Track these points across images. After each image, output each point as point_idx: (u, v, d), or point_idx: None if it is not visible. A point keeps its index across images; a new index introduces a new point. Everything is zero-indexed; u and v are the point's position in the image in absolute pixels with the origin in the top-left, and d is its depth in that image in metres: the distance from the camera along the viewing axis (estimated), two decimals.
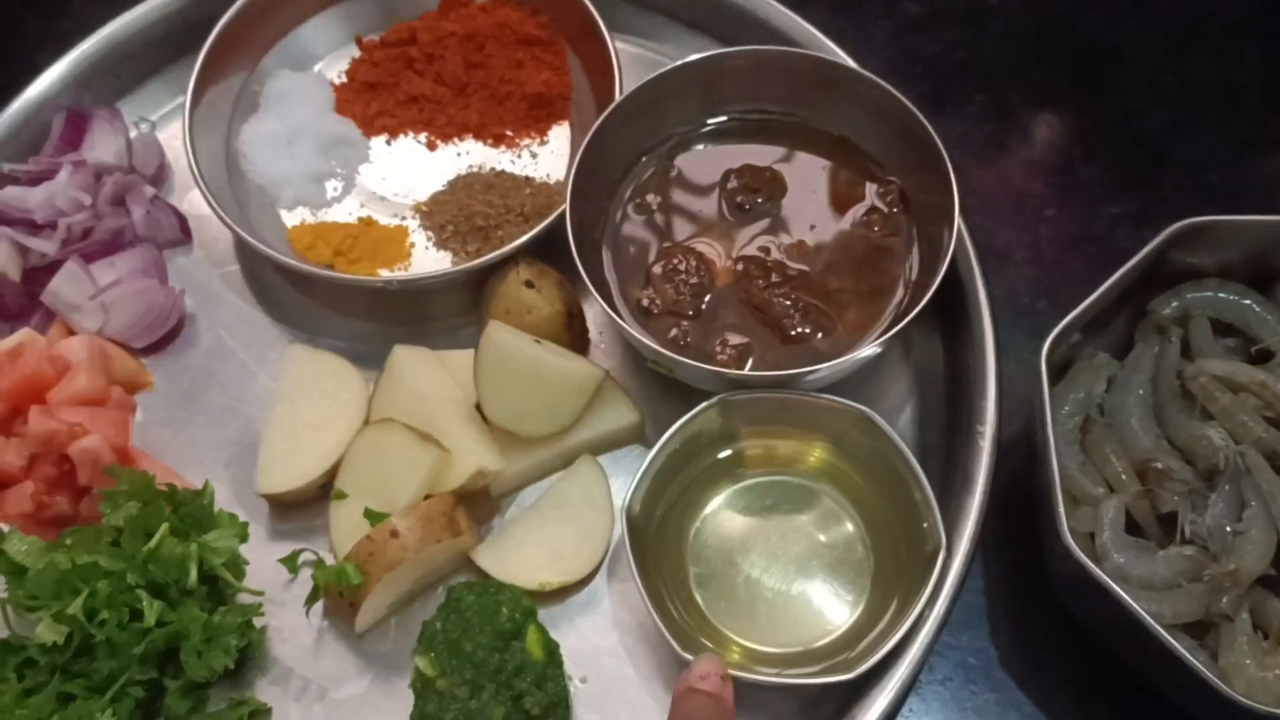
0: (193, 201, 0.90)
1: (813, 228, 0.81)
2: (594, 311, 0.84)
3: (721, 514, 0.76)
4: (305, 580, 0.76)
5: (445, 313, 0.86)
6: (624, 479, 0.75)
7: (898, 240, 0.80)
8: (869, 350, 0.74)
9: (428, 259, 0.86)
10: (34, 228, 0.85)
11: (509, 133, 0.91)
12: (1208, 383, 0.71)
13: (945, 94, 0.95)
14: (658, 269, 0.80)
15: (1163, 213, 0.85)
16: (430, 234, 0.87)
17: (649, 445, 0.74)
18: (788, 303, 0.78)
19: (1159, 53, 0.97)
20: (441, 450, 0.75)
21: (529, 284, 0.79)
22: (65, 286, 0.83)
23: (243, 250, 0.89)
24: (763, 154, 0.84)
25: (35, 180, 0.86)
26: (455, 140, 0.91)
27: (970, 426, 0.75)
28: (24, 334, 0.81)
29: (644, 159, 0.84)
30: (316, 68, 0.94)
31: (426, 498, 0.75)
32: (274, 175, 0.88)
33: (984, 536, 0.72)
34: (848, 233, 0.81)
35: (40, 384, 0.79)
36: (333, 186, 0.89)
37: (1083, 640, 0.73)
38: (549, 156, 0.90)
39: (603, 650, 0.74)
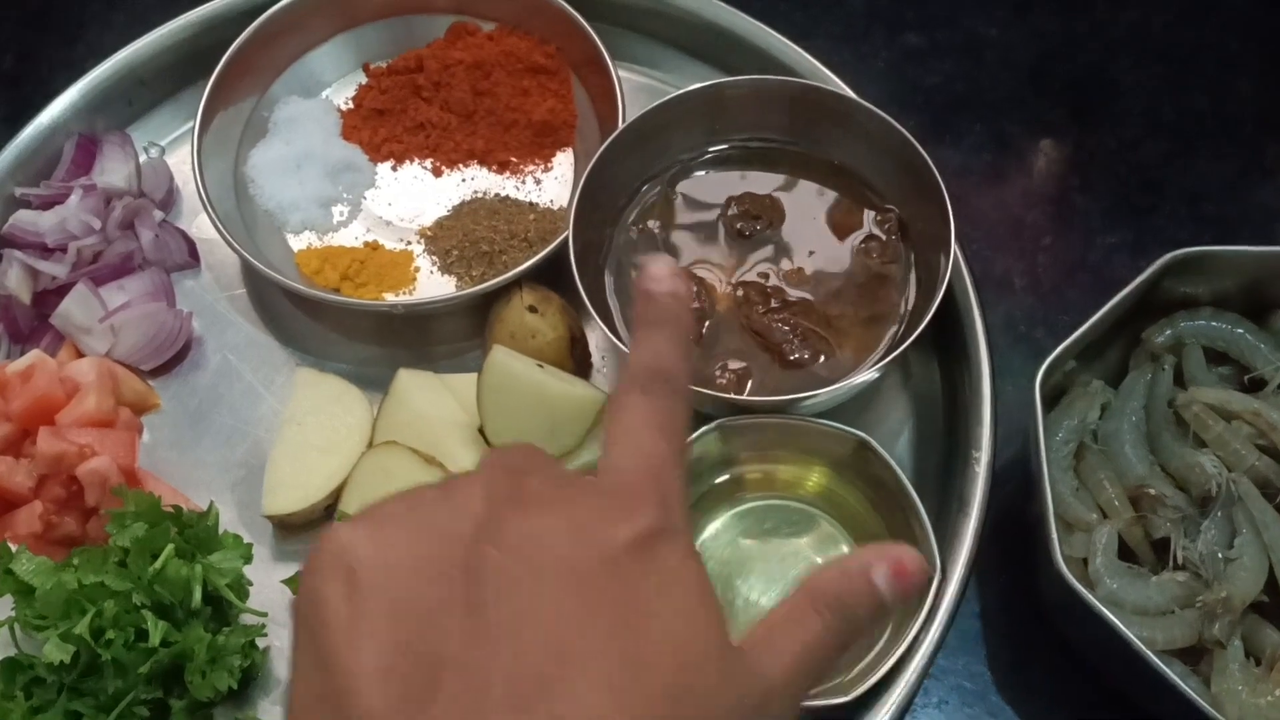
0: (201, 226, 0.91)
1: (812, 254, 0.82)
2: (596, 336, 0.85)
3: (720, 538, 0.76)
4: None
5: (449, 337, 0.87)
6: None
7: (896, 267, 0.81)
8: (867, 376, 0.75)
9: (432, 283, 0.87)
10: (45, 251, 0.86)
11: (514, 159, 0.92)
12: (1200, 411, 0.72)
13: (944, 124, 0.97)
14: None
15: (1159, 241, 0.86)
16: (435, 259, 0.88)
17: None
18: (787, 328, 0.79)
19: (1155, 84, 0.98)
20: (445, 473, 0.76)
21: (532, 309, 0.80)
22: (75, 309, 0.84)
23: (250, 274, 0.90)
24: (763, 181, 0.85)
25: (47, 204, 0.87)
26: (460, 166, 0.92)
27: (966, 452, 0.76)
28: (34, 355, 0.82)
29: (646, 186, 0.85)
30: (324, 94, 0.95)
31: None
32: (282, 200, 0.90)
33: (979, 561, 0.73)
34: (846, 260, 0.82)
35: (50, 405, 0.80)
36: (339, 211, 0.91)
37: (1077, 665, 0.73)
38: (553, 183, 0.91)
39: None
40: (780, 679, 0.46)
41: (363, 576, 0.42)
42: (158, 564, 0.72)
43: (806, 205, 0.84)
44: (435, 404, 0.80)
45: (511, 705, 0.40)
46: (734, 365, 0.79)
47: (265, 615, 0.76)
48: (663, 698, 0.42)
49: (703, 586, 0.46)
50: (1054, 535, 0.66)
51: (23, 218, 0.87)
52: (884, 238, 0.82)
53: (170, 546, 0.73)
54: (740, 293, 0.81)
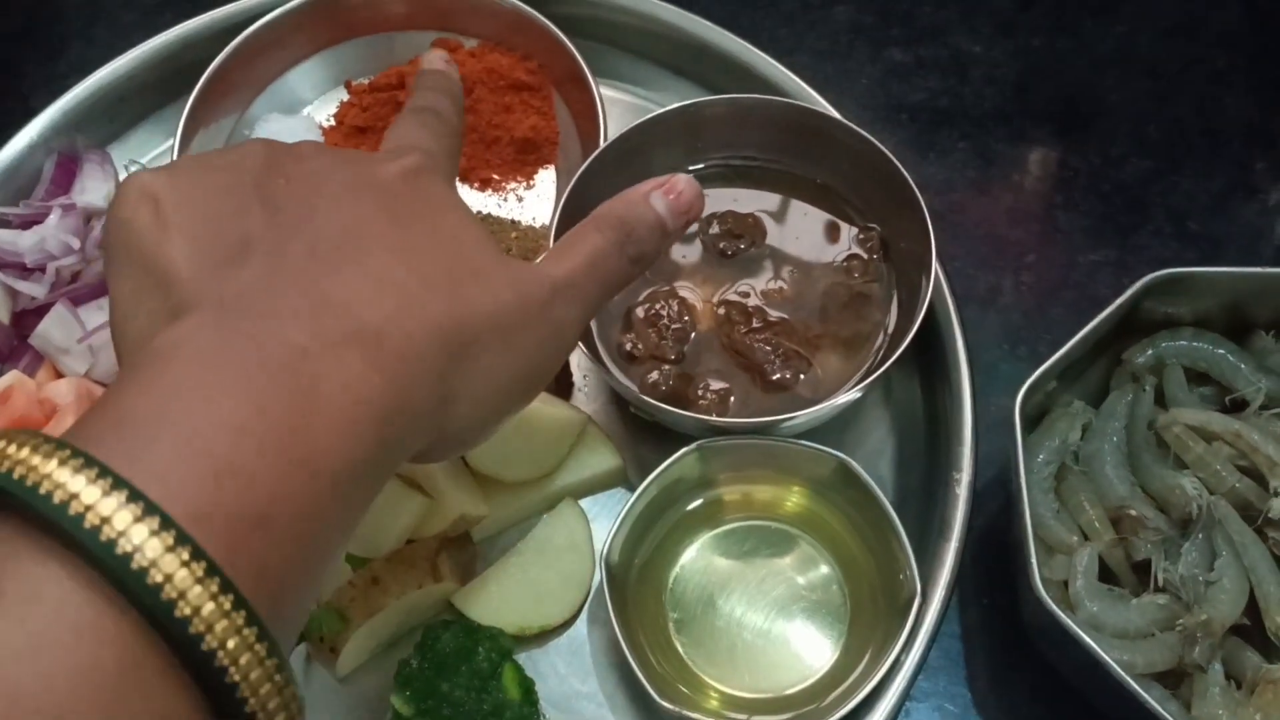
0: None
1: (794, 273, 0.82)
2: (577, 356, 0.84)
3: (700, 559, 0.76)
4: None
5: None
6: (606, 522, 0.76)
7: (878, 286, 0.81)
8: (848, 396, 0.75)
9: None
10: (24, 271, 0.86)
11: (496, 176, 0.92)
12: (1181, 432, 0.72)
13: (928, 141, 0.96)
14: (640, 313, 0.81)
15: (1143, 260, 0.86)
16: None
17: (631, 489, 0.75)
18: (769, 348, 0.79)
19: (1141, 101, 0.98)
20: (425, 496, 0.75)
21: None
22: (54, 329, 0.83)
23: None
24: (745, 199, 0.85)
25: (26, 224, 0.87)
26: None
27: (947, 473, 0.76)
28: (13, 376, 0.82)
29: None
30: (306, 111, 0.95)
31: (409, 542, 0.75)
32: None
33: (961, 582, 0.73)
34: (828, 279, 0.82)
35: (29, 426, 0.80)
36: None
37: (1058, 686, 0.73)
38: (535, 200, 0.91)
39: (582, 694, 0.75)
40: (564, 277, 0.54)
41: (165, 198, 0.48)
42: None
43: (788, 224, 0.84)
44: None
45: (314, 266, 0.46)
46: (715, 386, 0.78)
47: None
48: (447, 272, 0.49)
49: (469, 212, 0.55)
50: (1033, 559, 0.66)
51: (2, 237, 0.86)
52: (865, 256, 0.82)
53: None
54: (722, 311, 0.81)
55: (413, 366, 0.45)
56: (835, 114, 0.84)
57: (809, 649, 0.73)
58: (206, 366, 0.40)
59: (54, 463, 0.36)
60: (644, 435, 0.81)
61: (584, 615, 0.77)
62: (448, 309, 0.47)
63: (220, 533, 0.36)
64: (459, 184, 0.91)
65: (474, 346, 0.48)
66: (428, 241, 0.50)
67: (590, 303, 0.56)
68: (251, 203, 0.49)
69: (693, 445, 0.74)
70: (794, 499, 0.77)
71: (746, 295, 0.81)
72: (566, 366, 0.83)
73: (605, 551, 0.71)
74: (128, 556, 0.34)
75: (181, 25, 0.95)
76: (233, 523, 0.37)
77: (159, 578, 0.34)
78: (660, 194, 0.59)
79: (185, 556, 0.35)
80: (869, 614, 0.73)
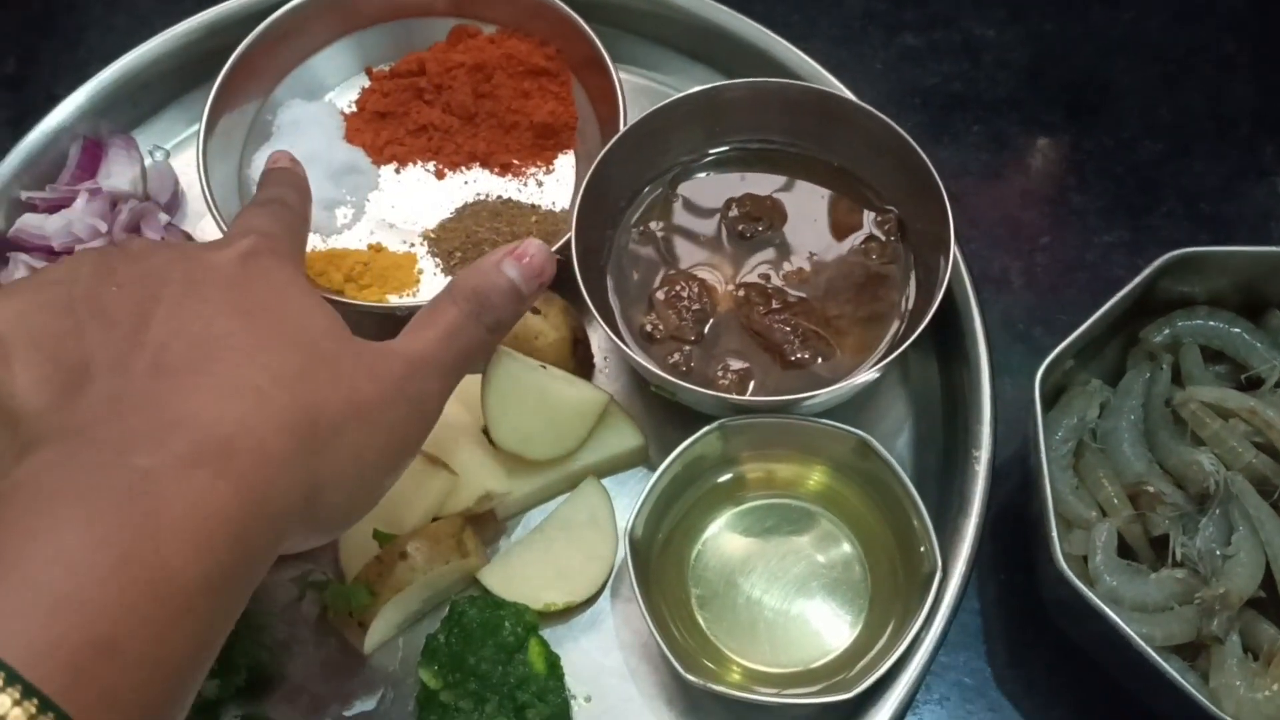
0: (205, 228, 0.91)
1: (812, 255, 0.83)
2: (598, 337, 0.85)
3: (722, 536, 0.77)
4: (315, 600, 0.77)
5: None
6: (628, 500, 0.77)
7: (895, 268, 0.82)
8: (867, 376, 0.76)
9: (436, 285, 0.87)
10: (51, 254, 0.87)
11: (516, 161, 0.93)
12: (1198, 409, 0.73)
13: (942, 125, 0.97)
14: (660, 295, 0.82)
15: (1155, 241, 0.87)
16: (438, 261, 0.88)
17: (653, 468, 0.76)
18: (788, 329, 0.80)
19: (1152, 85, 0.99)
20: (450, 473, 0.76)
21: (535, 310, 0.80)
22: None
23: None
24: (764, 183, 0.86)
25: (53, 208, 0.88)
26: (463, 169, 0.93)
27: (966, 450, 0.77)
28: None
29: (647, 187, 0.86)
30: (327, 97, 0.96)
31: (435, 520, 0.76)
32: None
33: (980, 559, 0.74)
34: (846, 260, 0.83)
35: None
36: (343, 214, 0.91)
37: (1076, 661, 0.74)
38: (555, 185, 0.92)
39: (606, 669, 0.76)
40: (420, 352, 0.54)
41: (3, 330, 0.48)
42: None
43: (807, 206, 0.85)
44: None
45: (158, 384, 0.45)
46: (735, 366, 0.79)
47: (273, 613, 0.76)
48: (298, 365, 0.48)
49: (314, 293, 0.54)
50: (1054, 533, 0.67)
51: (29, 221, 0.87)
52: (883, 238, 0.83)
53: None
54: (741, 294, 0.82)
55: (267, 469, 0.44)
56: (853, 98, 0.85)
57: (830, 624, 0.74)
58: (49, 502, 0.40)
59: None
60: (665, 415, 0.82)
61: (606, 593, 0.78)
62: (301, 403, 0.47)
63: (62, 666, 0.37)
64: (479, 169, 0.92)
65: (333, 435, 0.48)
66: (274, 333, 0.49)
67: (449, 373, 0.56)
68: (86, 319, 0.48)
69: (715, 424, 0.75)
70: (815, 476, 0.78)
71: (766, 277, 0.82)
72: (587, 346, 0.84)
73: (629, 527, 0.72)
74: None
75: (203, 13, 0.96)
76: (75, 653, 0.37)
77: None
78: (512, 260, 0.59)
79: (17, 695, 0.35)
80: (889, 590, 0.74)
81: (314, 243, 0.90)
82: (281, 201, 0.62)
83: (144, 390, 0.45)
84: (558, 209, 0.90)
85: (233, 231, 0.57)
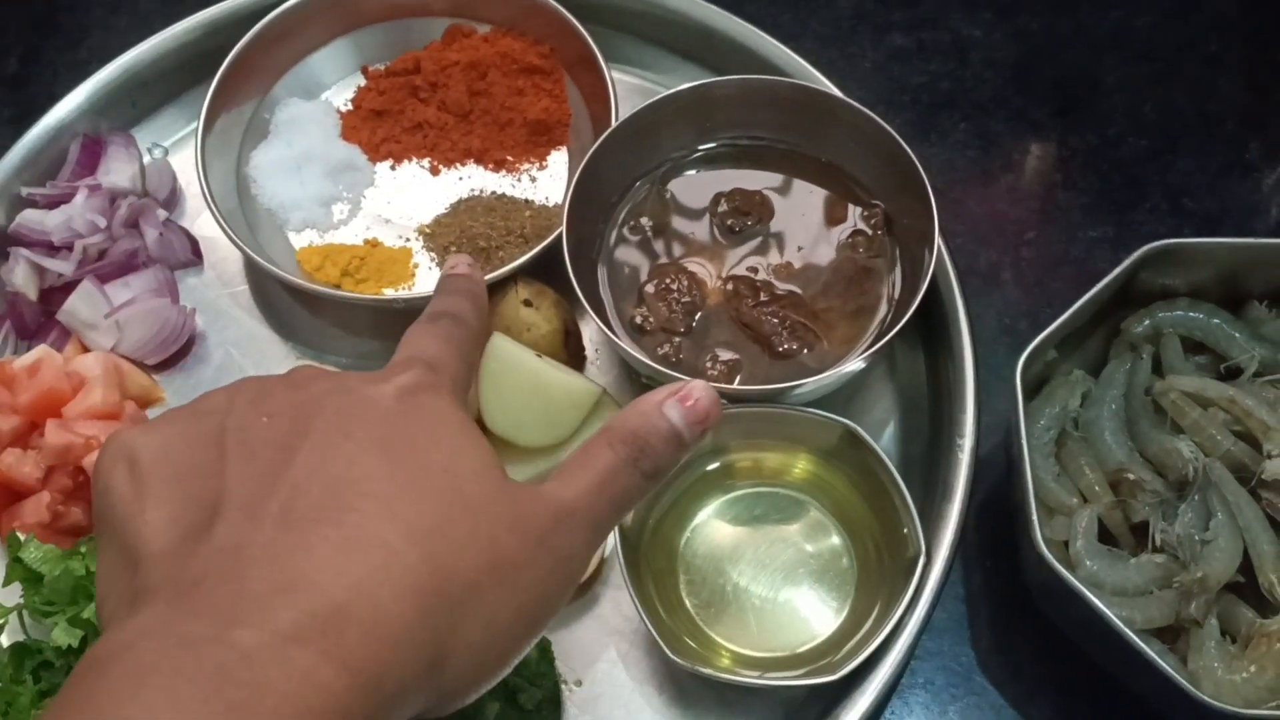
0: (203, 224, 0.93)
1: (800, 249, 0.84)
2: (590, 329, 0.87)
3: (711, 524, 0.78)
4: None
5: None
6: None
7: (882, 261, 0.83)
8: (853, 365, 0.77)
9: (431, 279, 0.89)
10: (51, 249, 0.88)
11: (509, 158, 0.94)
12: (1178, 398, 0.74)
13: (930, 122, 0.99)
14: (651, 288, 0.83)
15: (1140, 236, 0.88)
16: (433, 255, 0.90)
17: None
18: (776, 320, 0.81)
19: (1138, 83, 1.00)
20: None
21: (528, 303, 0.82)
22: (81, 305, 0.86)
23: (251, 271, 0.92)
24: (753, 179, 0.87)
25: (53, 204, 0.89)
26: (457, 165, 0.94)
27: (951, 439, 0.78)
28: (41, 350, 0.84)
29: (638, 183, 0.87)
30: (324, 96, 0.97)
31: None
32: (283, 199, 0.92)
33: (964, 545, 0.75)
34: (834, 254, 0.84)
35: (57, 399, 0.82)
36: (340, 210, 0.93)
37: (1060, 645, 0.75)
38: (548, 180, 0.93)
39: (597, 654, 0.77)
40: (572, 500, 0.49)
41: (142, 458, 0.45)
42: None
43: (795, 201, 0.86)
44: None
45: (285, 537, 0.42)
46: (725, 357, 0.81)
47: None
48: (436, 517, 0.44)
49: (471, 428, 0.49)
50: (1035, 518, 0.68)
51: (29, 217, 0.89)
52: (870, 232, 0.84)
53: None
54: (730, 287, 0.83)
55: (383, 643, 0.40)
56: (841, 95, 0.86)
57: (817, 610, 0.75)
58: (139, 685, 0.38)
59: None
60: None
61: (598, 580, 0.79)
62: (433, 563, 0.43)
63: None
64: (473, 166, 0.94)
65: (466, 597, 0.43)
66: (417, 476, 0.45)
67: (600, 526, 0.51)
68: (231, 450, 0.45)
69: None
70: (802, 465, 0.79)
71: (754, 271, 0.84)
72: (579, 339, 0.85)
73: None
74: None
75: (202, 13, 0.97)
76: None
77: None
78: (675, 402, 0.52)
79: None
80: (875, 575, 0.76)
81: (311, 238, 0.92)
82: (454, 317, 0.57)
83: (268, 542, 0.42)
84: (551, 204, 0.92)
85: (398, 357, 0.53)
